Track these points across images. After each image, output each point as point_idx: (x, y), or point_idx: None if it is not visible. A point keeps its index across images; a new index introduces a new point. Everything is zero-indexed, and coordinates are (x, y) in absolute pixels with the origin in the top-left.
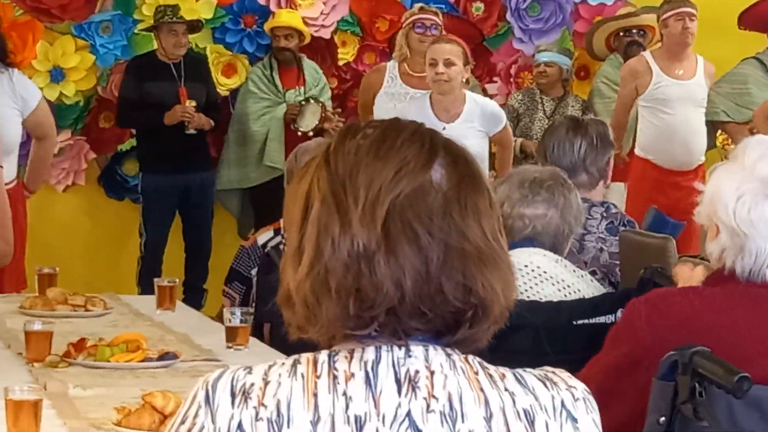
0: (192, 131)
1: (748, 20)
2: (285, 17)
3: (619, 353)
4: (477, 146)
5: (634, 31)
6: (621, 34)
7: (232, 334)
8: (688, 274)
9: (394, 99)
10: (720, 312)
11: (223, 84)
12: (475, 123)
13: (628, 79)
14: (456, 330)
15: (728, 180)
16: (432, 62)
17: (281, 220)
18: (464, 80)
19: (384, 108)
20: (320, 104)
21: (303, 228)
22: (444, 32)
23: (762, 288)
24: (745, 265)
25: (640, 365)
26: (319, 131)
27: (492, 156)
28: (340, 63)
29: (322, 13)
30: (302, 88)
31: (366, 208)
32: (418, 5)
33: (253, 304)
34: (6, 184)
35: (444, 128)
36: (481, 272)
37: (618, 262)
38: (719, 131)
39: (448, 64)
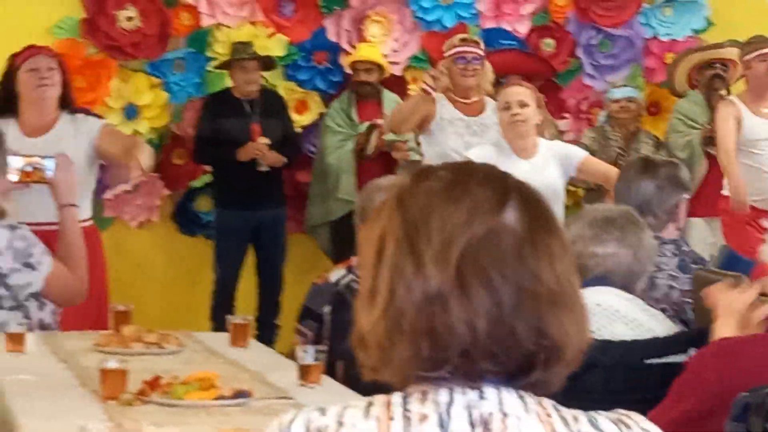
0: (264, 168)
1: None
2: (365, 51)
3: (689, 405)
4: (555, 182)
5: (717, 65)
6: (704, 67)
7: (305, 373)
8: (730, 299)
9: (452, 125)
10: None
11: (295, 121)
12: (550, 161)
13: (728, 118)
14: (529, 372)
15: None
16: (506, 106)
17: (353, 258)
18: (538, 122)
19: (444, 134)
20: (378, 128)
21: (377, 270)
22: (479, 60)
23: None
24: None
25: (711, 417)
26: (385, 153)
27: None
28: None
29: (393, 50)
30: (380, 120)
31: (439, 251)
32: (459, 36)
33: (326, 342)
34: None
35: (523, 165)
36: (554, 315)
37: (689, 300)
38: None
39: (522, 105)
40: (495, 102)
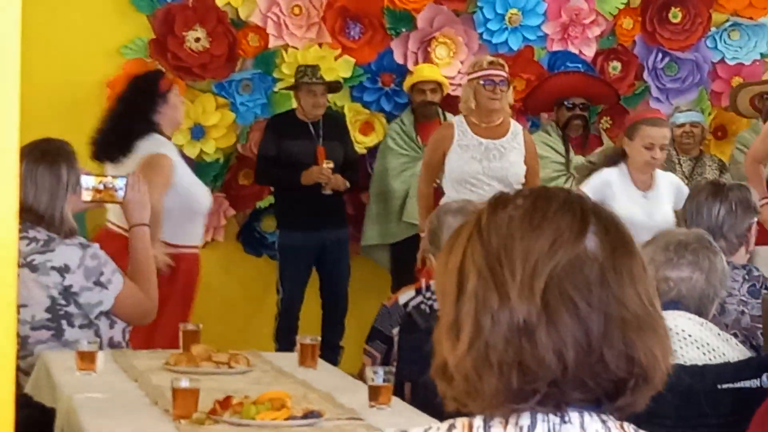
0: (328, 192)
1: None
2: (428, 72)
3: None
4: (668, 213)
5: None
6: (765, 96)
7: (375, 393)
8: None
9: (469, 150)
10: None
11: (361, 142)
12: (664, 194)
13: None
14: (616, 398)
15: None
16: (649, 146)
17: (422, 280)
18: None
19: (461, 159)
20: None
21: (459, 302)
22: (506, 83)
23: None
24: None
25: None
26: None
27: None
28: None
29: (459, 72)
30: None
31: (524, 281)
32: (487, 59)
33: (394, 363)
34: (192, 247)
35: (644, 196)
36: (641, 339)
37: (760, 326)
38: None
39: (663, 148)
40: (519, 124)
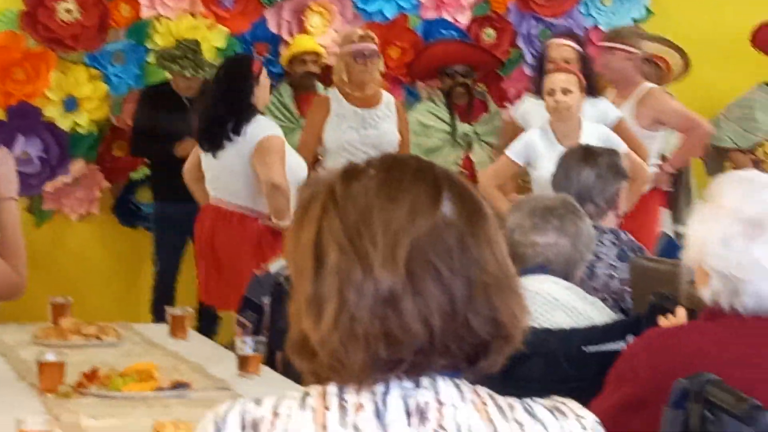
0: None
1: (761, 39)
2: (307, 43)
3: (624, 394)
4: None
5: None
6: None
7: (244, 363)
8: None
9: (346, 120)
10: (723, 346)
11: None
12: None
13: None
14: (478, 361)
15: (713, 224)
16: (550, 92)
17: None
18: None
19: (339, 129)
20: None
21: (318, 277)
22: (377, 55)
23: (765, 320)
24: (746, 304)
25: (647, 407)
26: None
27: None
28: None
29: (333, 41)
30: None
31: (386, 252)
32: (357, 33)
33: (266, 333)
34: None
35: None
36: (502, 301)
37: (628, 289)
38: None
39: (565, 92)
40: (391, 95)
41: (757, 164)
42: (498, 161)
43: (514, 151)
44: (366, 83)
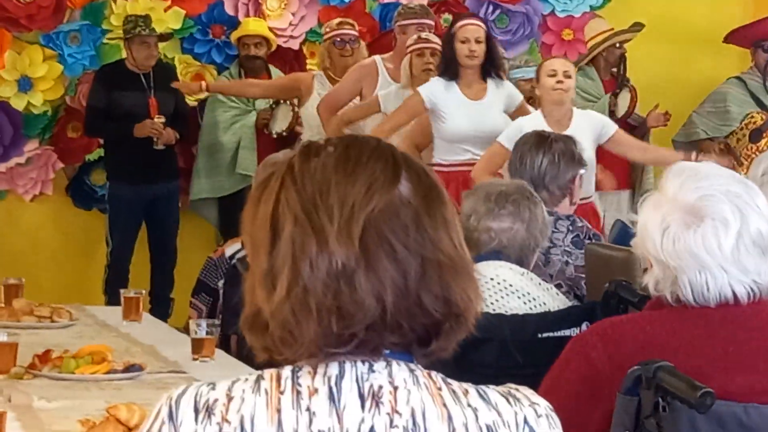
0: (160, 147)
1: (736, 37)
2: (253, 26)
3: (578, 381)
4: (589, 151)
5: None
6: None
7: (198, 346)
8: None
9: None
10: (673, 334)
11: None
12: (582, 133)
13: None
14: (429, 342)
15: (654, 212)
16: (552, 73)
17: None
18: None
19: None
20: (291, 106)
21: (274, 250)
22: (356, 41)
23: (708, 309)
24: (686, 294)
25: (601, 395)
26: (292, 132)
27: None
28: None
29: (290, 24)
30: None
31: (342, 226)
32: (336, 20)
33: (220, 316)
34: None
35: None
36: (456, 282)
37: (583, 275)
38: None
39: (567, 76)
40: None
41: (728, 149)
42: (490, 149)
43: (506, 138)
44: (347, 68)
